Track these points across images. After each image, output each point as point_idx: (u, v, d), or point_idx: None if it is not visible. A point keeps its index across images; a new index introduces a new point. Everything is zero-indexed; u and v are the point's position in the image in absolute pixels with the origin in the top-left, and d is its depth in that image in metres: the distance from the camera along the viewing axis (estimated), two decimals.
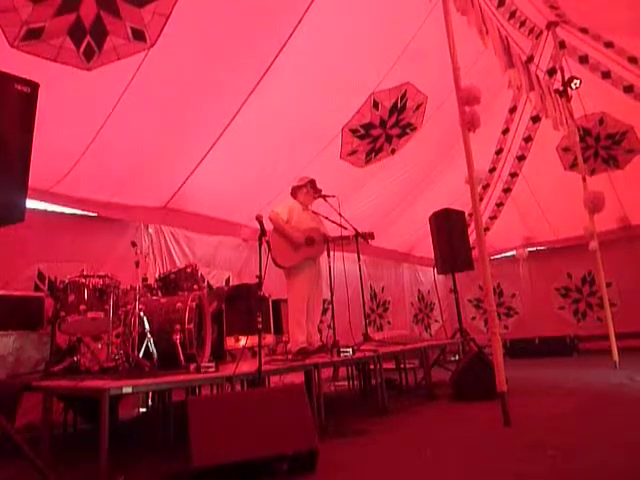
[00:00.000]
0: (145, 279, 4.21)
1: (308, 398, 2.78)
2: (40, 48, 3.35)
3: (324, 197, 4.44)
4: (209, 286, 5.84)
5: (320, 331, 4.80)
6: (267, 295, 5.06)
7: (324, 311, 5.73)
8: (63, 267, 4.38)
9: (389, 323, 9.01)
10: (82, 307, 3.47)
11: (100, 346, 3.70)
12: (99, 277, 3.62)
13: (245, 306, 4.84)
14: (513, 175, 8.26)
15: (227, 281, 6.17)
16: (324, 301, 4.91)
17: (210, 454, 2.32)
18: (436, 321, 9.98)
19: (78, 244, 4.81)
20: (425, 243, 7.49)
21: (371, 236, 4.53)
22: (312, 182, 4.49)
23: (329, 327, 6.44)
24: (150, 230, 5.52)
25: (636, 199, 7.75)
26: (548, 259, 9.31)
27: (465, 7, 3.89)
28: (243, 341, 4.63)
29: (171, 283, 4.14)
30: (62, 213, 4.80)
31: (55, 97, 3.53)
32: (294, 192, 4.52)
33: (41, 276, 4.49)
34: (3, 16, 3.10)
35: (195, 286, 4.12)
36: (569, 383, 5.02)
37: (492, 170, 8.20)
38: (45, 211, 4.66)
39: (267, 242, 3.70)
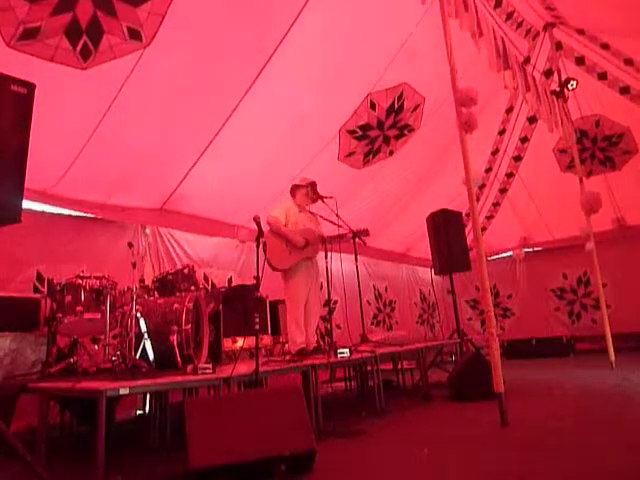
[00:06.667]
0: (142, 280, 4.20)
1: (305, 399, 2.78)
2: (36, 48, 3.34)
3: (322, 198, 4.44)
4: (213, 286, 5.87)
5: (328, 331, 4.80)
6: (264, 296, 5.05)
7: (331, 311, 5.76)
8: (62, 268, 4.36)
9: (397, 323, 9.04)
10: (79, 308, 3.46)
11: (97, 347, 3.69)
12: (96, 278, 3.61)
13: (242, 307, 4.83)
14: (509, 175, 8.29)
15: (229, 281, 6.18)
16: (329, 301, 4.89)
17: (207, 455, 2.31)
18: (439, 322, 10.00)
19: (77, 245, 4.79)
20: (423, 244, 7.49)
21: (366, 232, 4.52)
22: (313, 185, 4.47)
23: (338, 327, 6.49)
24: (147, 231, 5.51)
25: (632, 200, 7.78)
26: (544, 260, 9.33)
27: (458, 10, 3.90)
28: (240, 342, 4.62)
29: (168, 284, 4.13)
30: (60, 214, 4.78)
31: (52, 97, 3.52)
32: (293, 191, 4.50)
33: (40, 277, 4.47)
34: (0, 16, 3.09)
35: (192, 287, 4.11)
36: (566, 383, 5.03)
37: (488, 170, 8.22)
38: (43, 212, 4.64)
39: (264, 243, 3.70)
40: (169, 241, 5.72)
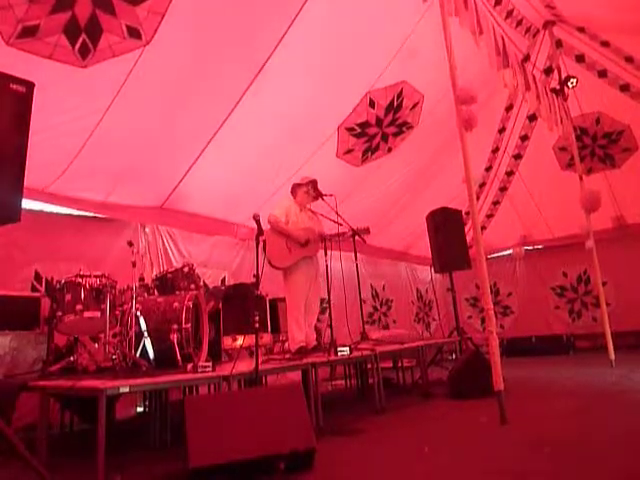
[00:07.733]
0: (142, 279, 4.19)
1: (305, 397, 2.78)
2: (35, 46, 3.34)
3: (322, 196, 4.45)
4: (205, 286, 5.82)
5: (321, 330, 4.81)
6: (264, 294, 5.05)
7: (323, 310, 5.72)
8: (60, 267, 4.35)
9: (394, 322, 9.01)
10: (79, 307, 3.46)
11: (97, 346, 3.69)
12: (96, 277, 3.61)
13: (242, 305, 4.83)
14: (509, 174, 8.27)
15: (222, 281, 6.15)
16: (323, 300, 4.90)
17: (207, 454, 2.32)
18: (434, 320, 9.99)
19: (75, 244, 4.78)
20: (422, 242, 7.49)
21: (367, 231, 4.52)
22: (313, 183, 4.48)
23: (328, 326, 6.46)
24: (147, 230, 5.51)
25: (632, 198, 7.77)
26: (544, 258, 9.32)
27: (458, 8, 3.89)
28: (240, 340, 4.62)
29: (168, 282, 4.12)
30: (58, 213, 4.77)
31: (50, 95, 3.51)
32: (294, 190, 4.51)
33: (38, 277, 4.46)
34: None
35: (192, 285, 4.11)
36: (566, 381, 5.04)
37: (488, 169, 8.20)
38: (41, 211, 4.63)
39: (264, 242, 3.70)
40: (167, 240, 5.71)
